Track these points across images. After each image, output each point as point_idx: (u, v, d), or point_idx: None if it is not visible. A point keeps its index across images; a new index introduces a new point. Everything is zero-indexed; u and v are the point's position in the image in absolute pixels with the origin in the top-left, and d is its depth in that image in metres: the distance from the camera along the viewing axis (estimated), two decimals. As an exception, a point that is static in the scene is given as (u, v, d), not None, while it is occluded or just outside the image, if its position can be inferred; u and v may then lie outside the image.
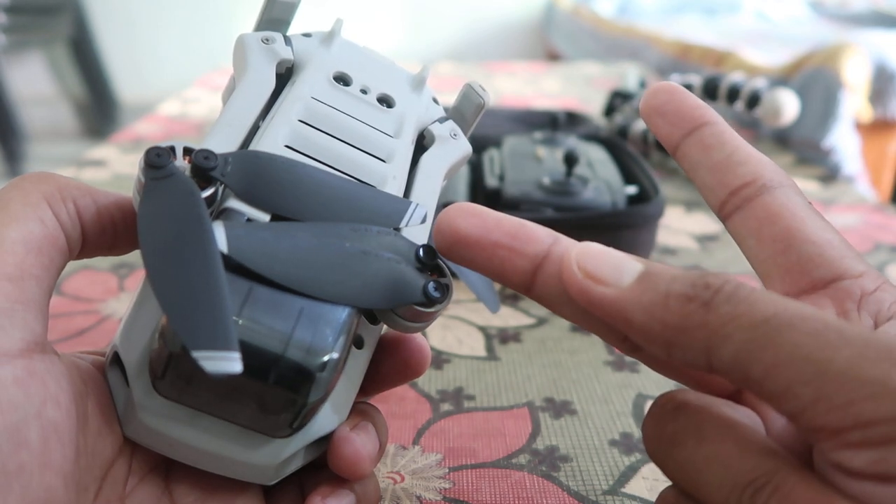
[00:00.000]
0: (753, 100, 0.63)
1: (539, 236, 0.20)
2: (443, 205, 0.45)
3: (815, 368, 0.15)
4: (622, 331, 0.18)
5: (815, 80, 0.83)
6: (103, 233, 0.22)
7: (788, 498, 0.16)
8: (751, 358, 0.16)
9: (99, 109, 2.69)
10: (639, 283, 0.18)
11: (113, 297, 0.43)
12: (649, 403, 0.33)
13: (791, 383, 0.15)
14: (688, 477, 0.18)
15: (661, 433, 0.19)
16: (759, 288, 0.17)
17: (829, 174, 0.70)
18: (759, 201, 0.22)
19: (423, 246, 0.22)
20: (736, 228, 0.23)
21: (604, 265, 0.18)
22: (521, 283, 0.20)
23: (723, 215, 0.23)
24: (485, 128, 0.62)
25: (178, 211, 0.19)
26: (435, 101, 0.27)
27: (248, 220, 0.20)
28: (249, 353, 0.17)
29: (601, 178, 0.48)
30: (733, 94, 0.64)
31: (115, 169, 0.67)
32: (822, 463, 0.16)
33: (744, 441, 0.17)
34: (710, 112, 0.23)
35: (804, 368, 0.15)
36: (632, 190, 0.48)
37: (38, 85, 2.68)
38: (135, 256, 0.19)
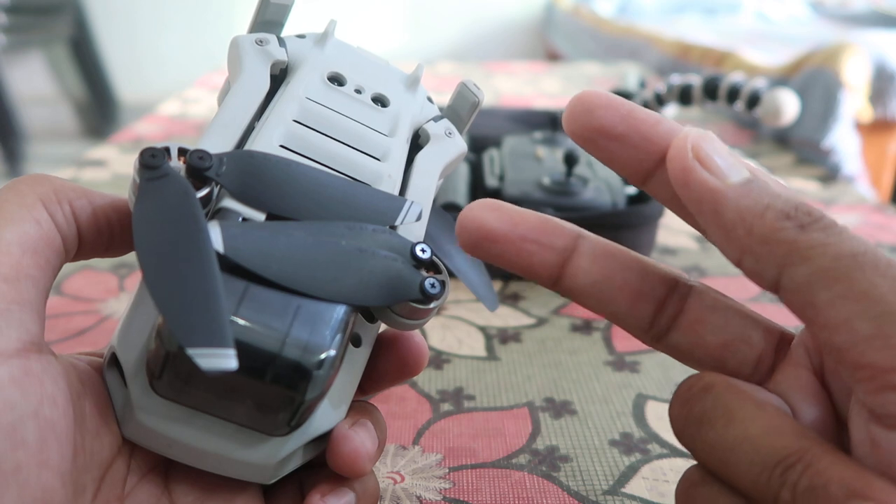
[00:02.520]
0: (753, 100, 0.62)
1: (565, 230, 0.20)
2: (442, 205, 0.45)
3: (882, 308, 0.15)
4: (699, 220, 0.19)
5: (815, 80, 0.83)
6: (99, 234, 0.22)
7: (822, 475, 0.16)
8: (823, 284, 0.16)
9: (99, 109, 2.69)
10: (743, 187, 0.18)
11: (113, 297, 0.43)
12: (649, 403, 0.33)
13: (853, 316, 0.16)
14: (717, 457, 0.18)
15: (689, 414, 0.19)
16: (849, 229, 0.17)
17: (829, 174, 0.70)
18: None
19: (419, 243, 0.22)
20: None
21: (717, 157, 0.18)
22: (549, 276, 0.20)
23: None
24: (485, 128, 0.62)
25: (173, 211, 0.19)
26: (429, 99, 0.27)
27: (244, 219, 0.20)
28: (246, 352, 0.17)
29: (601, 178, 0.48)
30: (733, 94, 0.63)
31: (115, 169, 0.67)
32: (859, 418, 0.17)
33: (774, 421, 0.18)
34: (673, 124, 0.20)
35: (872, 306, 0.15)
36: (632, 190, 0.48)
37: (38, 85, 2.68)
38: (134, 257, 0.19)
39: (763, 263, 0.17)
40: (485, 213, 0.20)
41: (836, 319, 0.16)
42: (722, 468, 0.18)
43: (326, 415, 0.21)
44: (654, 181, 0.20)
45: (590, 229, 0.42)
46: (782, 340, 0.21)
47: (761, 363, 0.21)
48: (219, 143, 0.22)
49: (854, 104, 0.82)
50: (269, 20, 0.26)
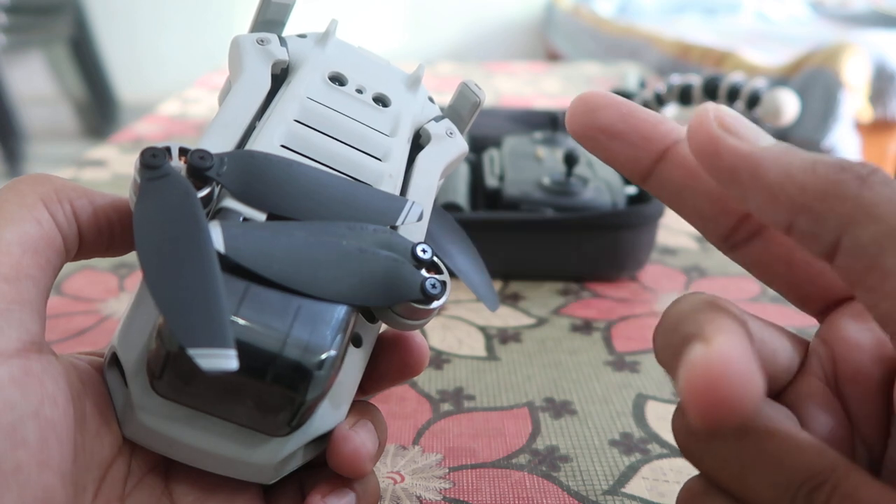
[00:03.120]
0: (753, 100, 0.62)
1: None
2: (442, 205, 0.45)
3: None
4: (738, 189, 0.18)
5: (815, 80, 0.83)
6: (100, 234, 0.22)
7: (852, 497, 0.16)
8: (894, 245, 0.15)
9: (99, 109, 2.69)
10: (779, 146, 0.17)
11: (113, 297, 0.43)
12: (649, 403, 0.33)
13: None
14: (729, 473, 0.18)
15: (697, 429, 0.18)
16: None
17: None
18: None
19: (420, 243, 0.22)
20: (755, 256, 0.20)
21: (743, 124, 0.18)
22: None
23: (730, 244, 0.21)
24: (485, 128, 0.62)
25: (173, 211, 0.19)
26: (430, 99, 0.27)
27: (245, 219, 0.20)
28: (247, 352, 0.17)
29: (601, 178, 0.48)
30: (733, 94, 0.63)
31: (115, 169, 0.67)
32: None
33: (794, 438, 0.17)
34: (673, 124, 0.20)
35: None
36: (632, 190, 0.48)
37: (38, 85, 2.68)
38: (135, 256, 0.19)
39: (822, 223, 0.16)
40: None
41: None
42: (734, 484, 0.18)
43: (327, 415, 0.21)
44: (654, 179, 0.20)
45: (590, 229, 0.43)
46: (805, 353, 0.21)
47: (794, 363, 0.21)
48: (219, 143, 0.22)
49: (854, 104, 0.82)
50: (270, 20, 0.26)
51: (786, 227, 0.17)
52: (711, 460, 0.18)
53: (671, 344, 0.18)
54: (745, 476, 0.17)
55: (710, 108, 0.18)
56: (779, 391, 0.21)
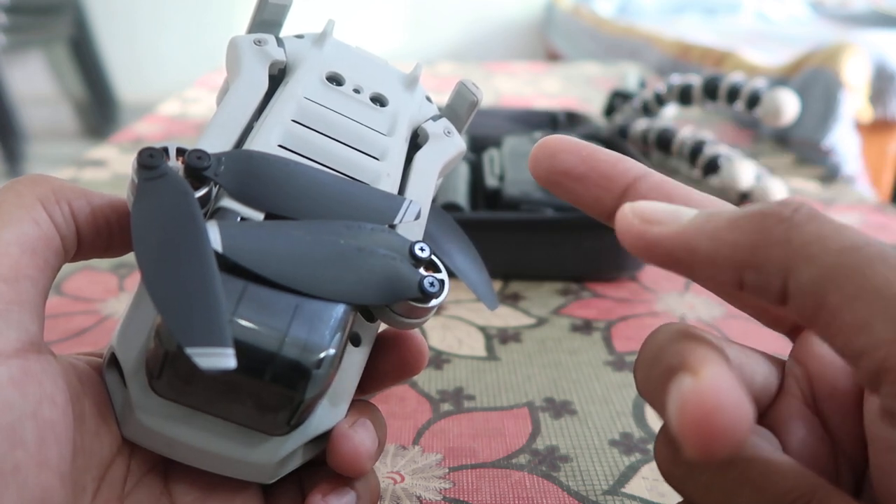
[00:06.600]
0: (753, 100, 0.62)
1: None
2: (442, 205, 0.45)
3: None
4: (684, 269, 0.18)
5: (815, 80, 0.83)
6: (98, 234, 0.22)
7: None
8: (833, 284, 0.15)
9: (99, 109, 2.69)
10: (699, 217, 0.17)
11: (113, 297, 0.43)
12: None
13: (871, 317, 0.15)
14: (712, 500, 0.18)
15: (679, 457, 0.18)
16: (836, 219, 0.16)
17: (829, 174, 0.70)
18: None
19: (418, 242, 0.22)
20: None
21: (660, 210, 0.18)
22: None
23: None
24: (485, 128, 0.62)
25: (171, 211, 0.19)
26: (428, 99, 0.27)
27: (242, 219, 0.20)
28: (245, 351, 0.17)
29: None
30: (733, 94, 0.63)
31: (115, 169, 0.67)
32: (879, 428, 0.16)
33: (775, 462, 0.17)
34: (633, 162, 0.21)
35: (891, 304, 0.14)
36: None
37: (38, 85, 2.68)
38: (134, 256, 0.19)
39: (765, 273, 0.16)
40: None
41: (854, 323, 0.15)
42: None
43: (326, 414, 0.21)
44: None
45: (590, 229, 0.43)
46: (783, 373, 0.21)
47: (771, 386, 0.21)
48: (217, 143, 0.22)
49: (854, 104, 0.82)
50: (267, 20, 0.26)
51: (738, 285, 0.17)
52: (695, 487, 0.18)
53: (653, 377, 0.18)
54: (729, 501, 0.17)
55: (626, 207, 0.19)
56: (759, 414, 0.21)
